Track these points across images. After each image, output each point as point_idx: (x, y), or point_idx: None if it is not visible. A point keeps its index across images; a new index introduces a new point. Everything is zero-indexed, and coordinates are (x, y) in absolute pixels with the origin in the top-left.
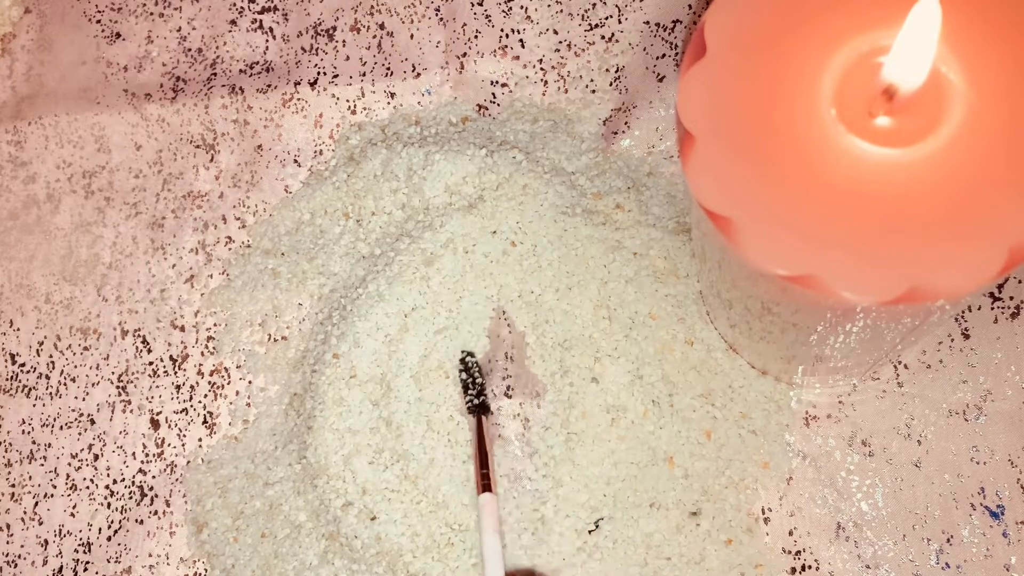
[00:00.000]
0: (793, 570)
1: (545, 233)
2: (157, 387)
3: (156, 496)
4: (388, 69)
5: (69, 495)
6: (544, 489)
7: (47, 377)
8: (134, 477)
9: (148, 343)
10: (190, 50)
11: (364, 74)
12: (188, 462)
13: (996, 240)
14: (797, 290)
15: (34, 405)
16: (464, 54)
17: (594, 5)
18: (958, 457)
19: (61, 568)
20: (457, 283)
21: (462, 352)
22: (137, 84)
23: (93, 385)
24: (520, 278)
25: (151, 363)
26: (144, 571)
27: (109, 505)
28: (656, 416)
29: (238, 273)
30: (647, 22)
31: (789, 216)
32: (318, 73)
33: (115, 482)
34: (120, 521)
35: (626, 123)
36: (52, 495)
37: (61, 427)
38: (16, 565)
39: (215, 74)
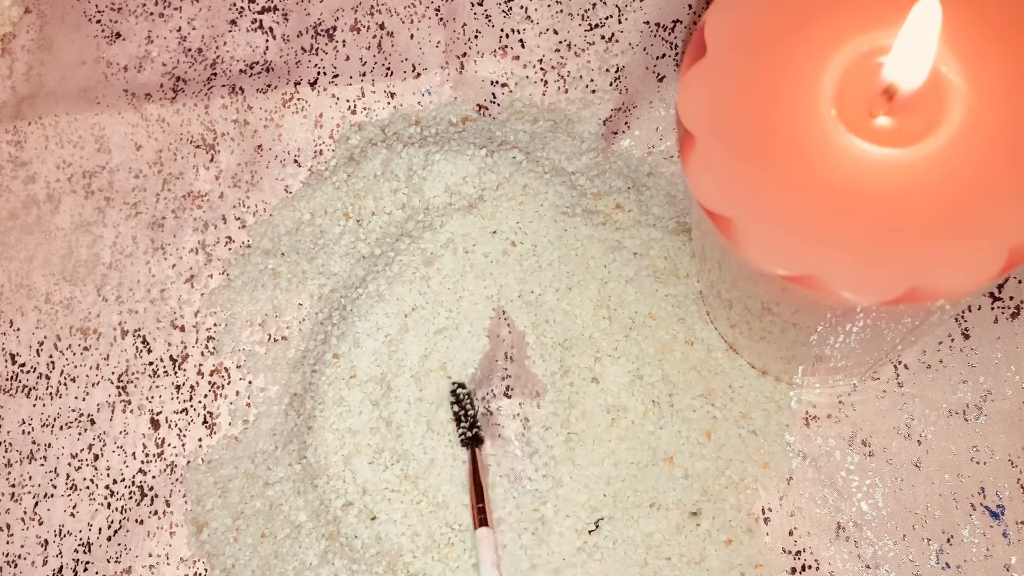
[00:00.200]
0: (793, 570)
1: (545, 233)
2: (157, 387)
3: (156, 496)
4: (388, 69)
5: (69, 495)
6: (544, 489)
7: (47, 377)
8: (134, 477)
9: (148, 343)
10: (190, 50)
11: (364, 74)
12: (188, 462)
13: (996, 240)
14: (797, 290)
15: (34, 405)
16: (464, 54)
17: (594, 5)
18: (958, 457)
19: (61, 568)
20: (457, 283)
21: (452, 384)
22: (137, 84)
23: (93, 385)
24: (520, 278)
25: (151, 363)
26: (144, 571)
27: (109, 505)
28: (656, 416)
29: (238, 273)
30: (647, 22)
31: (789, 216)
32: (318, 73)
33: (115, 482)
34: (120, 521)
35: (626, 123)
36: (52, 495)
37: (61, 427)
38: (16, 565)
39: (215, 74)
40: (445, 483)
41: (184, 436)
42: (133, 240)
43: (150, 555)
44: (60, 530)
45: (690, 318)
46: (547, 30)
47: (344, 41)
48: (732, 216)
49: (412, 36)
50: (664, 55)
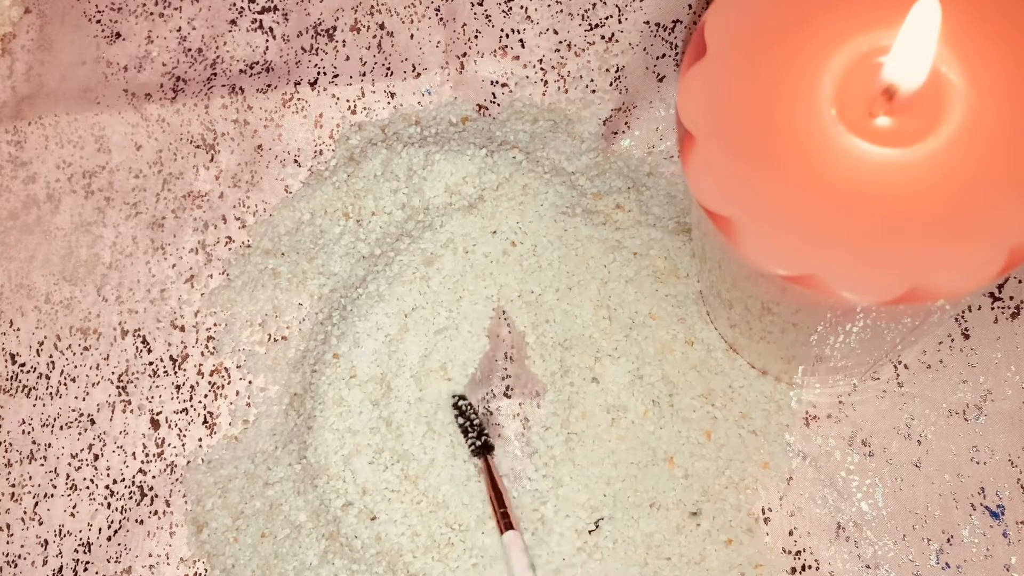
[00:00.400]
0: (793, 570)
1: (545, 233)
2: (157, 387)
3: (156, 496)
4: (388, 69)
5: (69, 495)
6: (544, 489)
7: (47, 377)
8: (134, 477)
9: (148, 343)
10: (190, 50)
11: (364, 74)
12: (188, 462)
13: (996, 240)
14: (797, 290)
15: (34, 405)
16: (464, 54)
17: (594, 5)
18: (958, 457)
19: (61, 568)
20: (457, 283)
21: (453, 396)
22: (137, 84)
23: (93, 385)
24: (520, 278)
25: (151, 363)
26: (144, 571)
27: (109, 505)
28: (656, 416)
29: (238, 273)
30: (647, 22)
31: (789, 216)
32: (318, 73)
33: (115, 482)
34: (120, 521)
35: (626, 123)
36: (52, 495)
37: (61, 427)
38: (16, 565)
39: (215, 74)
40: (445, 483)
41: (184, 436)
42: (133, 240)
43: (150, 555)
44: (60, 530)
45: (690, 318)
46: (547, 30)
47: (344, 41)
48: (732, 216)
49: (412, 36)
50: (664, 55)
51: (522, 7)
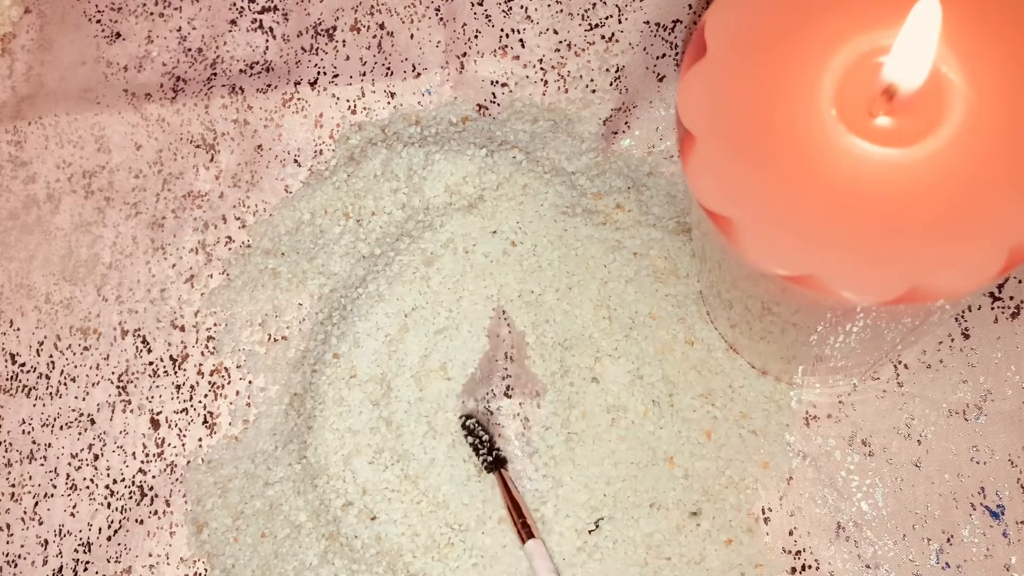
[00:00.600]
0: (793, 570)
1: (545, 233)
2: (157, 387)
3: (156, 496)
4: (388, 69)
5: (69, 495)
6: (544, 489)
7: (47, 377)
8: (134, 477)
9: (148, 343)
10: (190, 50)
11: (364, 74)
12: (188, 462)
13: (996, 240)
14: (797, 290)
15: (34, 405)
16: (464, 54)
17: (594, 5)
18: (958, 457)
19: (61, 568)
20: (457, 283)
21: (460, 416)
22: (137, 84)
23: (93, 385)
24: (520, 278)
25: (151, 363)
26: (144, 571)
27: (109, 505)
28: (656, 416)
29: (238, 273)
30: (647, 22)
31: (789, 216)
32: (318, 73)
33: (115, 482)
34: (120, 521)
35: (626, 123)
36: (52, 495)
37: (61, 427)
38: (16, 565)
39: (215, 74)
40: (445, 483)
41: (184, 436)
42: (133, 240)
43: (150, 555)
44: (60, 530)
45: (690, 318)
46: (547, 30)
47: (344, 41)
48: (732, 216)
49: (412, 36)
50: (664, 55)
51: (522, 7)
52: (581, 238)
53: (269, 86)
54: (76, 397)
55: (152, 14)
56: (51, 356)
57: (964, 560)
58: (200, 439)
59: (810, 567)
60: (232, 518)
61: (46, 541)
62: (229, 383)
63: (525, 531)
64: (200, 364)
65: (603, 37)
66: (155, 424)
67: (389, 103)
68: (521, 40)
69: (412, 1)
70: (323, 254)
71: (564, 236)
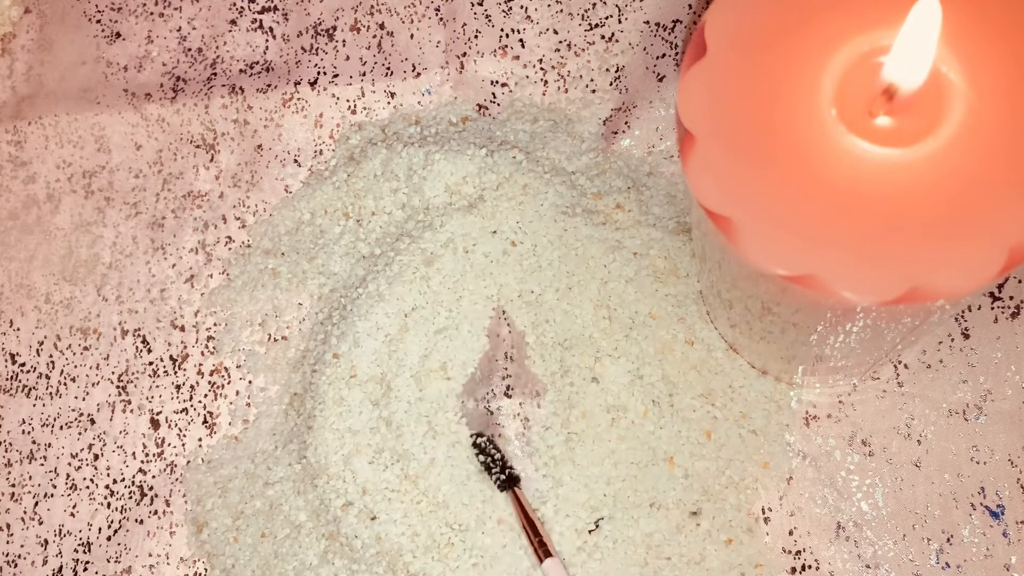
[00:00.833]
0: (793, 570)
1: (545, 233)
2: (157, 387)
3: (156, 496)
4: (388, 69)
5: (69, 495)
6: (544, 489)
7: (47, 377)
8: (134, 477)
9: (148, 343)
10: (190, 50)
11: (364, 74)
12: (188, 462)
13: (996, 240)
14: (797, 290)
15: (34, 405)
16: (464, 54)
17: (594, 5)
18: (958, 457)
19: (61, 568)
20: (457, 283)
21: (471, 435)
22: (137, 84)
23: (93, 385)
24: (520, 278)
25: (151, 363)
26: (144, 571)
27: (109, 505)
28: (656, 416)
29: (238, 273)
30: (647, 22)
31: (789, 216)
32: (318, 73)
33: (115, 482)
34: (120, 521)
35: (626, 123)
36: (52, 495)
37: (61, 427)
38: (16, 565)
39: (215, 74)
40: (445, 483)
41: (184, 436)
42: (133, 240)
43: (150, 555)
44: (60, 530)
45: (690, 318)
46: (547, 30)
47: (344, 41)
48: (732, 216)
49: (412, 36)
50: (664, 55)
51: (522, 7)
52: (581, 238)
53: (269, 86)
54: (76, 397)
55: (152, 14)
56: (51, 356)
57: (964, 560)
58: (200, 439)
59: (810, 567)
60: (232, 518)
61: (46, 541)
62: (229, 383)
63: (542, 549)
64: (200, 364)
65: (603, 37)
66: (155, 424)
67: (389, 103)
68: (521, 40)
69: (412, 1)
70: (323, 254)
71: (564, 236)
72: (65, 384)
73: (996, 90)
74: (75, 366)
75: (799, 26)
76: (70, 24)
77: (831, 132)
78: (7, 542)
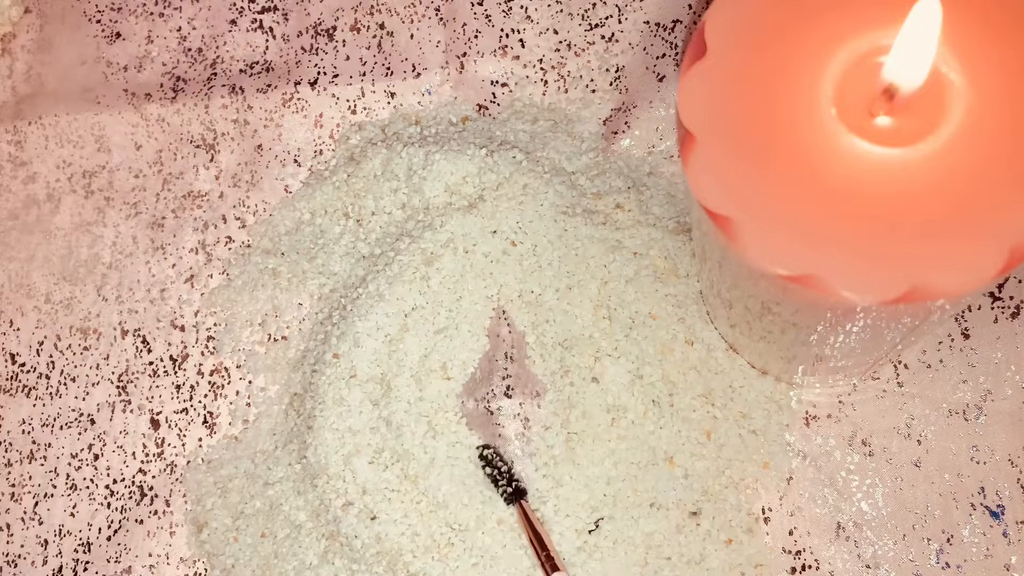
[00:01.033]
0: (793, 570)
1: (545, 233)
2: (157, 387)
3: (156, 496)
4: (388, 69)
5: (69, 495)
6: (544, 489)
7: (47, 377)
8: (134, 477)
9: (148, 343)
10: (190, 50)
11: (364, 74)
12: (188, 462)
13: (996, 240)
14: (797, 290)
15: (34, 405)
16: (464, 54)
17: (594, 5)
18: (958, 457)
19: (61, 568)
20: (457, 283)
21: (478, 447)
22: (137, 84)
23: (93, 385)
24: (520, 278)
25: (151, 363)
26: (144, 571)
27: (109, 505)
28: (656, 416)
29: (238, 273)
30: (647, 22)
31: (789, 216)
32: (318, 73)
33: (115, 482)
34: (120, 521)
35: (626, 123)
36: (52, 495)
37: (61, 427)
38: (16, 565)
39: (215, 74)
40: (445, 483)
41: (184, 436)
42: (133, 240)
43: (150, 555)
44: (60, 530)
45: (690, 318)
46: (547, 30)
47: (344, 41)
48: (732, 216)
49: (412, 36)
50: (664, 55)
51: (522, 7)
52: (581, 238)
53: (269, 86)
54: (76, 397)
55: (152, 14)
56: (51, 356)
57: (964, 560)
58: (200, 439)
59: (810, 567)
60: (232, 518)
61: (46, 541)
62: (229, 383)
63: (549, 563)
64: (200, 364)
65: (603, 37)
66: (155, 424)
67: (389, 103)
68: (521, 40)
69: (412, 1)
70: (323, 254)
71: (564, 236)
72: (65, 384)
73: (996, 90)
74: (75, 366)
75: (799, 26)
76: (70, 24)
77: (831, 132)
78: (7, 542)
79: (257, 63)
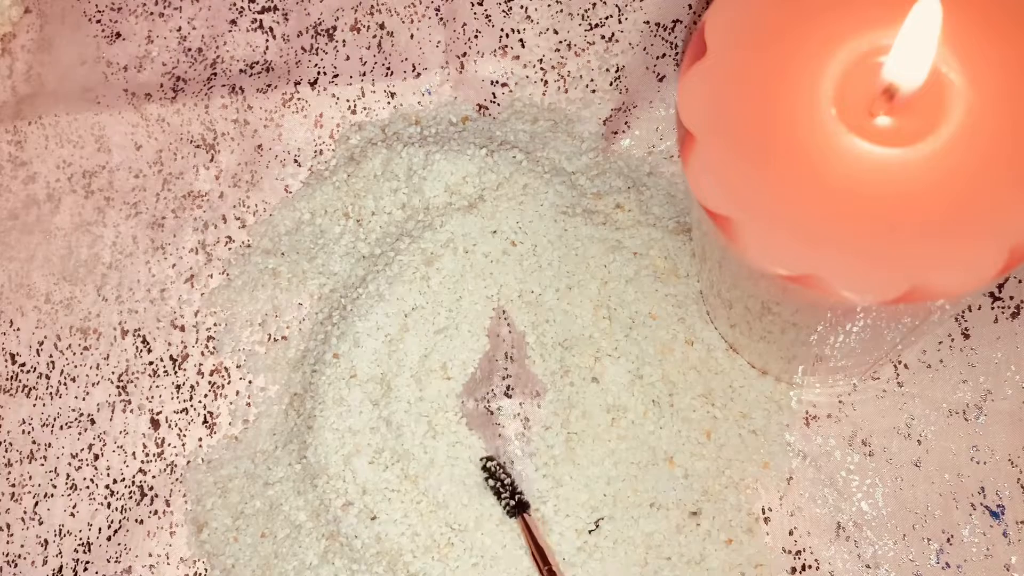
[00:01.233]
0: (793, 570)
1: (545, 233)
2: (157, 387)
3: (156, 496)
4: (388, 69)
5: (69, 495)
6: (544, 489)
7: (47, 377)
8: (134, 477)
9: (148, 343)
10: (190, 50)
11: (364, 74)
12: (188, 462)
13: (996, 240)
14: (797, 290)
15: (34, 405)
16: (464, 54)
17: (594, 5)
18: (958, 457)
19: (61, 568)
20: (457, 283)
21: (481, 459)
22: (137, 84)
23: (93, 385)
24: (520, 278)
25: (151, 363)
26: (144, 571)
27: (109, 505)
28: (656, 416)
29: (238, 273)
30: (647, 22)
31: (789, 216)
32: (318, 73)
33: (115, 482)
34: (120, 521)
35: (626, 123)
36: (52, 495)
37: (61, 427)
38: (16, 565)
39: (215, 74)
40: (445, 483)
41: (184, 436)
42: (133, 240)
43: (150, 555)
44: (60, 530)
45: (690, 318)
46: (547, 30)
47: (344, 41)
48: (732, 216)
49: (412, 36)
50: (664, 55)
51: (522, 7)
52: (581, 238)
53: (269, 86)
54: (76, 397)
55: (152, 14)
56: (51, 356)
57: (964, 560)
58: (200, 439)
59: (810, 567)
60: (232, 518)
61: (46, 541)
62: (229, 383)
63: None
64: (200, 364)
65: (603, 37)
66: (155, 424)
67: (389, 103)
68: (521, 40)
69: (412, 1)
70: (323, 254)
71: (564, 236)
72: (65, 384)
73: (996, 90)
74: (75, 366)
75: (799, 26)
76: (70, 24)
77: (831, 132)
78: (7, 542)
79: (257, 63)
